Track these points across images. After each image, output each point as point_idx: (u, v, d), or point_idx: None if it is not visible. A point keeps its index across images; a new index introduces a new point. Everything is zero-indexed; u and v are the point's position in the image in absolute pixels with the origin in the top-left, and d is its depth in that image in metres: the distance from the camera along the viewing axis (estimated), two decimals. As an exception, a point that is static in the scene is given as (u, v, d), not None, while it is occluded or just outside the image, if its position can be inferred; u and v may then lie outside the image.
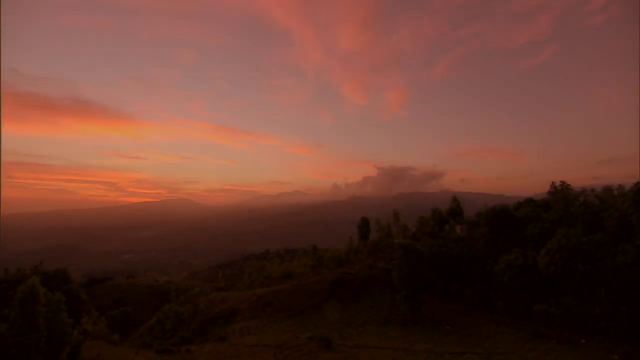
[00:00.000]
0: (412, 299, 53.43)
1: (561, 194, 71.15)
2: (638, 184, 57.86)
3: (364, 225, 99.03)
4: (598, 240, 49.70)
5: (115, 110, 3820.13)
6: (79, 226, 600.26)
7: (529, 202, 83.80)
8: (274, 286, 78.85)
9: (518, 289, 53.21)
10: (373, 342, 46.26)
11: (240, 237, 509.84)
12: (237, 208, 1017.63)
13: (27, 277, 41.64)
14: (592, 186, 79.87)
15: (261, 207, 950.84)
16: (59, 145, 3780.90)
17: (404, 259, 54.56)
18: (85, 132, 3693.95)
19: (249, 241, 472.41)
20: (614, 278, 45.20)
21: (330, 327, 54.77)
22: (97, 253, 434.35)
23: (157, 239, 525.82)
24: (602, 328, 42.97)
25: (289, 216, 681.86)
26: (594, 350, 39.35)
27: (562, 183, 73.32)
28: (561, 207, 67.52)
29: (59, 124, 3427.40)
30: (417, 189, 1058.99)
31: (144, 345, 54.47)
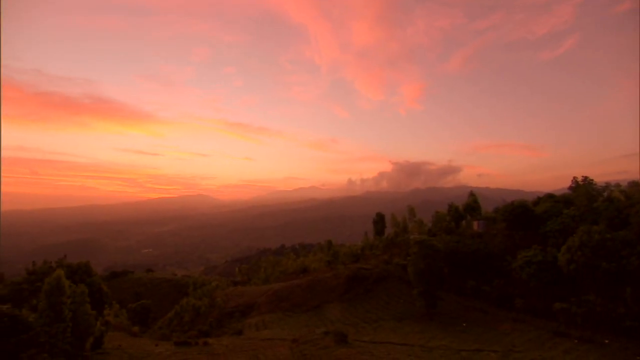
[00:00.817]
0: (428, 295, 53.00)
1: (583, 189, 68.66)
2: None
3: (379, 220, 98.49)
4: (623, 237, 47.95)
5: (133, 108, 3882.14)
6: (100, 221, 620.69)
7: (549, 197, 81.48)
8: (289, 281, 79.66)
9: (537, 287, 52.03)
10: (388, 337, 46.19)
11: (256, 232, 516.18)
12: (253, 203, 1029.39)
13: (53, 270, 43.34)
14: (617, 181, 76.81)
15: (277, 202, 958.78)
16: (81, 142, 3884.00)
17: (420, 255, 54.10)
18: (105, 130, 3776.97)
19: (264, 236, 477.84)
20: (640, 276, 43.62)
21: (345, 322, 55.01)
22: (117, 247, 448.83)
23: (175, 234, 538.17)
24: (627, 328, 41.55)
25: (304, 211, 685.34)
26: (618, 350, 38.14)
27: (585, 178, 70.92)
28: (583, 202, 65.26)
29: (81, 123, 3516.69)
30: (433, 185, 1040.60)
31: (163, 337, 56.11)
